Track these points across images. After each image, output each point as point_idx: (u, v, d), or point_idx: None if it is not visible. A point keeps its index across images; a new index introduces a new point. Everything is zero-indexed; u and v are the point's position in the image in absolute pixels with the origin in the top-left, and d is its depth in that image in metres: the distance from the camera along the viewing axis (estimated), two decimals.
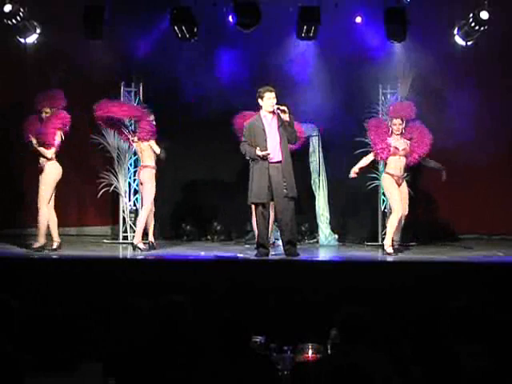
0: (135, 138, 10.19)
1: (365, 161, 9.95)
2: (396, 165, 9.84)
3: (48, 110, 9.76)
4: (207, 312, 5.21)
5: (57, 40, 10.22)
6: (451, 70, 10.77)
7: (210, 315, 5.05)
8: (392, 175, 9.82)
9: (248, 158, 9.07)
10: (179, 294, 4.97)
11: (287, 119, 8.87)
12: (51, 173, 9.68)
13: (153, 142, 10.07)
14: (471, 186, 11.29)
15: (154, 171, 10.04)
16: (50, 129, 9.68)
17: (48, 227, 9.72)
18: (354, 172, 9.79)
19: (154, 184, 10.00)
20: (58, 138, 9.72)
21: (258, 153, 8.84)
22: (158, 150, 10.02)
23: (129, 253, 10.13)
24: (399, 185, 9.84)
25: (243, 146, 9.08)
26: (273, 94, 8.95)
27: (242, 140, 9.16)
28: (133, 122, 10.45)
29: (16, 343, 4.14)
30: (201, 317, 5.15)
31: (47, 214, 9.65)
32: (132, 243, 10.05)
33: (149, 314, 4.99)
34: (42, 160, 9.72)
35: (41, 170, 9.71)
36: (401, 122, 9.95)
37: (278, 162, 8.92)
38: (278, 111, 8.86)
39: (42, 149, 9.65)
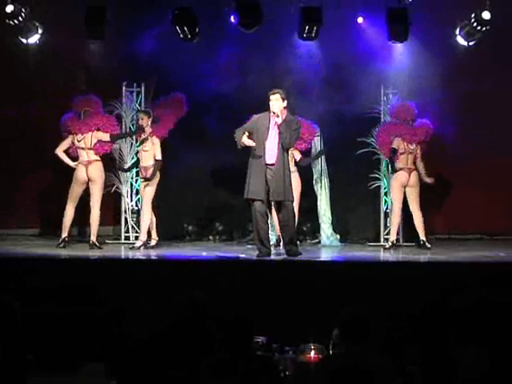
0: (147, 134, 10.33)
1: None
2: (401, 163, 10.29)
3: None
4: (209, 312, 5.21)
5: (59, 40, 10.23)
6: (453, 70, 10.77)
7: (211, 315, 5.05)
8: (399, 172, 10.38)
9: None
10: (199, 292, 5.01)
11: (278, 123, 8.87)
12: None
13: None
14: (473, 186, 11.30)
15: None
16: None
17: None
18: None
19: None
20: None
21: (244, 139, 8.84)
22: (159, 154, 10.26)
23: (131, 253, 10.15)
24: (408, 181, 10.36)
25: (238, 130, 9.04)
26: (274, 97, 8.89)
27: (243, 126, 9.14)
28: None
29: (19, 344, 4.15)
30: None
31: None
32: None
33: (151, 313, 5.01)
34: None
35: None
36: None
37: (272, 165, 8.92)
38: (273, 115, 8.87)
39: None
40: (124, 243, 10.90)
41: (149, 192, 10.22)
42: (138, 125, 10.54)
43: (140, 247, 10.17)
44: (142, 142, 10.37)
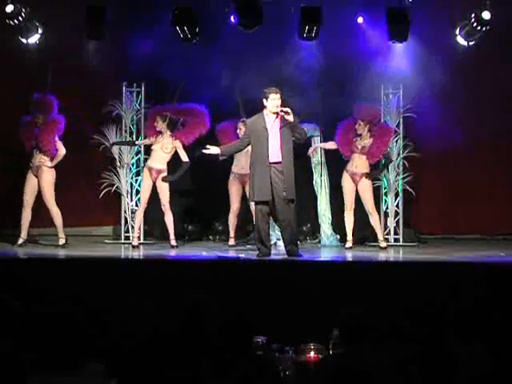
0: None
1: (328, 145, 10.63)
2: (353, 162, 10.31)
3: (41, 117, 10.06)
4: (209, 312, 5.21)
5: (59, 40, 10.23)
6: (453, 70, 10.77)
7: (211, 315, 5.04)
8: (347, 171, 10.36)
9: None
10: (201, 292, 5.01)
11: (291, 120, 8.86)
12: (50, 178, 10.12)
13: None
14: (473, 186, 11.30)
15: None
16: (46, 136, 9.99)
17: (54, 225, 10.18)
18: (311, 150, 10.60)
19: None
20: (59, 146, 10.01)
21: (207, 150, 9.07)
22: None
23: (130, 253, 10.15)
24: (356, 182, 10.30)
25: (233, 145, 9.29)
26: (277, 96, 8.93)
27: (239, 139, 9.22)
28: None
29: (19, 343, 4.15)
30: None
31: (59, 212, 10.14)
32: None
33: (151, 313, 5.00)
34: (38, 163, 10.02)
35: (38, 175, 10.05)
36: (362, 123, 10.36)
37: (277, 163, 8.92)
38: (282, 113, 8.85)
39: (44, 158, 10.06)
40: (124, 243, 10.89)
41: (167, 191, 10.27)
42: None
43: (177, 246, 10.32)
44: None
